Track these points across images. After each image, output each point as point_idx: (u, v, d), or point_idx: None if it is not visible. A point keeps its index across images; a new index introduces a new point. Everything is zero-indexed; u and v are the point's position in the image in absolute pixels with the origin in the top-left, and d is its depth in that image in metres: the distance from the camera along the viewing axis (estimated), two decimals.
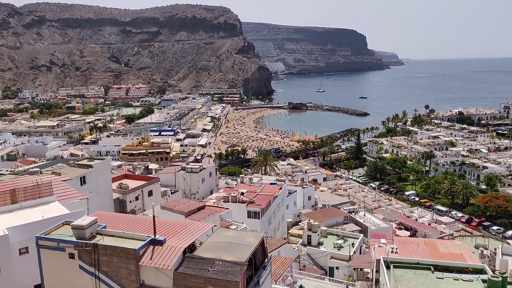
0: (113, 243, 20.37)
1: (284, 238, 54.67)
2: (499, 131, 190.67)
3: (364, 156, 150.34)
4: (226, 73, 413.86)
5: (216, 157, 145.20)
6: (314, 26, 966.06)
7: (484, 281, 34.78)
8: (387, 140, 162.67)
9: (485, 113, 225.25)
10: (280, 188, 62.83)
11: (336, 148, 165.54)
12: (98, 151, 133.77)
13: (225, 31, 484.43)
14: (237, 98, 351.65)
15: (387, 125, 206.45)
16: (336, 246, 50.88)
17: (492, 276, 34.66)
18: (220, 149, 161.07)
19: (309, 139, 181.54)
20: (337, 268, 46.26)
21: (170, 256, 19.61)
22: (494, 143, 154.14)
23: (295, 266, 40.75)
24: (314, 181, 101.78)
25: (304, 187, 78.58)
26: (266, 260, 22.95)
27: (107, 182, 48.07)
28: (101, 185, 45.78)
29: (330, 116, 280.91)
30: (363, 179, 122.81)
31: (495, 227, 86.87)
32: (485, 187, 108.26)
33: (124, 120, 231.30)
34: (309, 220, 55.93)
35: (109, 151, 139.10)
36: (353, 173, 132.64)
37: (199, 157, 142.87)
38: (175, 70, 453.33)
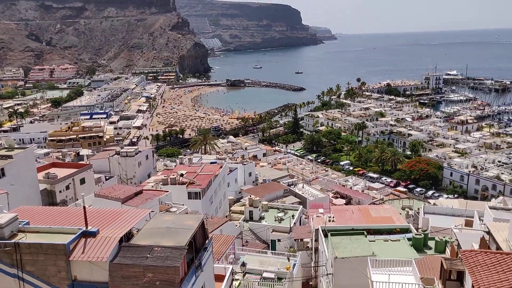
0: (39, 240, 19.04)
1: (226, 216, 55.42)
2: (421, 101, 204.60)
3: (301, 130, 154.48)
4: (160, 51, 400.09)
5: (153, 138, 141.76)
6: (249, 1, 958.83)
7: (409, 239, 37.99)
8: (322, 113, 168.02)
9: (409, 84, 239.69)
10: (221, 167, 63.09)
11: (275, 123, 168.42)
12: (20, 139, 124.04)
13: (157, 7, 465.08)
14: (173, 77, 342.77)
15: (322, 99, 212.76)
16: (277, 219, 52.52)
17: (416, 234, 37.97)
18: (157, 130, 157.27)
19: (248, 116, 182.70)
20: (279, 240, 47.90)
21: (105, 248, 18.79)
22: (417, 112, 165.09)
23: (238, 242, 41.66)
24: (254, 157, 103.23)
25: (244, 164, 79.50)
26: (207, 241, 23.21)
27: (31, 173, 45.25)
28: (24, 177, 43.00)
29: (268, 92, 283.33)
30: (301, 152, 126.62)
31: (418, 189, 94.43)
32: (410, 153, 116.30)
33: (50, 104, 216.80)
34: (250, 196, 57.05)
35: (33, 139, 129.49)
36: (293, 146, 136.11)
37: (134, 140, 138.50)
38: (105, 49, 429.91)
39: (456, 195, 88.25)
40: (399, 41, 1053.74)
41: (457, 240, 29.73)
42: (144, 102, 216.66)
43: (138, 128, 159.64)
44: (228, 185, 68.14)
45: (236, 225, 47.79)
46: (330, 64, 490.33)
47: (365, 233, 39.17)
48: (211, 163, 66.14)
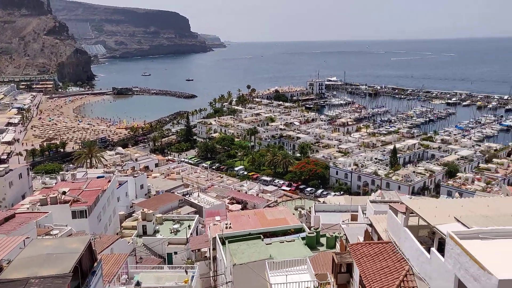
0: None
1: (117, 233, 51.89)
2: (307, 106, 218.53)
3: (195, 137, 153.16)
4: (35, 57, 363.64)
5: (28, 154, 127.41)
6: (135, 7, 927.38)
7: (303, 238, 39.52)
8: (215, 120, 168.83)
9: (296, 90, 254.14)
10: (109, 181, 58.99)
11: (166, 132, 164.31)
12: None
13: (29, 9, 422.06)
14: (50, 85, 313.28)
15: (214, 106, 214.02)
16: (172, 231, 50.75)
17: (309, 233, 39.64)
18: (33, 145, 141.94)
19: (137, 125, 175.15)
20: (175, 253, 46.25)
21: None
22: (304, 116, 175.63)
23: (131, 260, 39.11)
24: (146, 168, 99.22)
25: (135, 176, 75.78)
26: (95, 264, 21.13)
27: None
28: None
29: (158, 100, 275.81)
30: (195, 160, 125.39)
31: (309, 189, 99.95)
32: (300, 155, 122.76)
33: None
34: (142, 210, 54.23)
35: None
36: (187, 155, 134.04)
37: (4, 157, 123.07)
38: None
39: (342, 192, 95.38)
40: (284, 49, 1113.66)
41: (345, 234, 31.62)
42: (15, 114, 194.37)
43: (9, 143, 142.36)
44: (118, 200, 64.07)
45: (129, 242, 44.96)
46: (220, 71, 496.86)
47: (262, 236, 39.78)
48: (98, 177, 61.39)
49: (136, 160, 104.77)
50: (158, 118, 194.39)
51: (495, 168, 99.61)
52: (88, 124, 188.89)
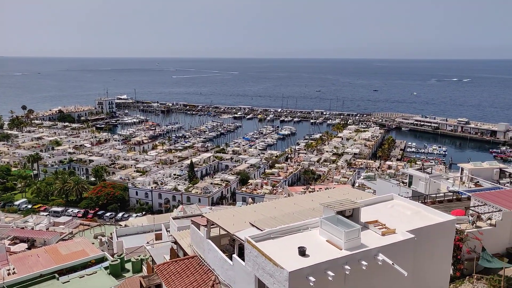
0: None
1: None
2: (98, 125, 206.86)
3: None
4: None
5: None
6: None
7: (106, 267, 37.07)
8: None
9: (83, 109, 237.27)
10: None
11: None
12: None
13: None
14: None
15: None
16: None
17: (112, 261, 37.42)
18: None
19: None
20: None
21: None
22: (95, 137, 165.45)
23: None
24: None
25: None
26: None
27: None
28: None
29: None
30: None
31: (108, 213, 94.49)
32: (94, 179, 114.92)
33: None
34: None
35: None
36: None
37: None
38: None
39: (144, 212, 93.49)
40: (64, 66, 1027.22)
41: (151, 256, 31.09)
42: None
43: None
44: None
45: None
46: None
47: (57, 275, 35.62)
48: None
49: None
50: None
51: (277, 172, 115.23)
52: None
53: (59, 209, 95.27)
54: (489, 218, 25.16)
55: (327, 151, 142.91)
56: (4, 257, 50.06)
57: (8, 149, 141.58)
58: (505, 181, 42.43)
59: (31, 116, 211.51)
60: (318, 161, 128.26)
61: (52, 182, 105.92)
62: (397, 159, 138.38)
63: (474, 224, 24.59)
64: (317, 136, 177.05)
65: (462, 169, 44.68)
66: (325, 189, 56.28)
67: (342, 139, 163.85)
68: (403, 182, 51.02)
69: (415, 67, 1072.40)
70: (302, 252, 15.26)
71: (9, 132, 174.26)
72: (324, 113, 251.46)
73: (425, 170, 47.51)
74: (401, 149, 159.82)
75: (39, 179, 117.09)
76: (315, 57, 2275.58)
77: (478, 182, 41.65)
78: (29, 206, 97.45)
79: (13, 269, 38.05)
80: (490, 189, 36.71)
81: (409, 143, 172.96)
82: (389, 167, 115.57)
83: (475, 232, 23.70)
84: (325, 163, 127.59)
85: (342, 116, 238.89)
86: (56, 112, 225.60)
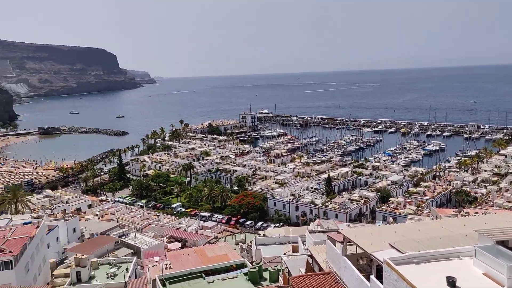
0: None
1: (48, 283, 47.89)
2: (241, 138, 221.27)
3: (128, 175, 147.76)
4: None
5: None
6: (59, 44, 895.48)
7: (245, 274, 39.12)
8: (148, 157, 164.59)
9: (229, 123, 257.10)
10: (37, 227, 54.76)
11: (98, 171, 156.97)
12: None
13: None
14: None
15: (147, 142, 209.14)
16: (109, 276, 47.88)
17: (251, 268, 39.36)
18: None
19: (67, 165, 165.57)
20: None
21: None
22: (239, 149, 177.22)
23: None
24: (78, 210, 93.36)
25: (66, 220, 71.13)
26: None
27: None
28: None
29: (87, 138, 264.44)
30: (130, 199, 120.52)
31: (248, 222, 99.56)
32: (237, 188, 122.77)
33: None
34: (76, 255, 50.68)
35: None
36: (121, 194, 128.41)
37: None
38: None
39: (281, 223, 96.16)
40: (216, 83, 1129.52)
41: (287, 267, 31.93)
42: None
43: None
44: (48, 246, 59.55)
45: None
46: (152, 107, 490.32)
47: (203, 275, 38.85)
48: (25, 223, 56.75)
49: (67, 202, 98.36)
50: (88, 157, 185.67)
51: (423, 191, 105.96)
52: (12, 167, 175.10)
53: (207, 214, 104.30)
54: None
55: (485, 170, 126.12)
56: (163, 253, 57.09)
57: (168, 158, 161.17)
58: None
59: (187, 129, 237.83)
60: (473, 181, 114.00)
61: (201, 189, 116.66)
62: None
63: None
64: (473, 153, 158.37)
65: None
66: (482, 214, 50.20)
67: (506, 157, 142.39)
68: None
69: None
70: (451, 283, 13.80)
71: (169, 143, 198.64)
72: (482, 126, 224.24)
73: None
74: None
75: (191, 185, 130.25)
76: (467, 64, 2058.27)
77: None
78: (183, 210, 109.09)
79: (169, 264, 42.94)
80: None
81: None
82: None
83: None
84: (483, 184, 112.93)
85: (505, 131, 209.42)
86: (206, 125, 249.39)
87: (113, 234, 68.68)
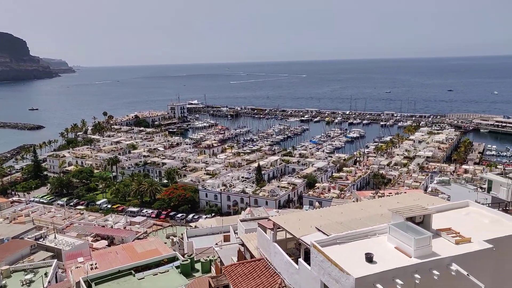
0: None
1: None
2: (170, 130, 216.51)
3: (45, 173, 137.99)
4: None
5: None
6: None
7: (177, 267, 38.69)
8: (69, 152, 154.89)
9: (157, 115, 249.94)
10: None
11: (9, 169, 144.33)
12: None
13: None
14: None
15: (66, 136, 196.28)
16: (24, 283, 44.68)
17: (182, 261, 38.98)
18: None
19: None
20: None
21: None
22: (168, 141, 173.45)
23: None
24: None
25: None
26: None
27: None
28: None
29: None
30: (48, 198, 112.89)
31: (179, 215, 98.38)
32: (167, 181, 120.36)
33: None
34: None
35: None
36: (37, 193, 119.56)
37: None
38: None
39: (213, 214, 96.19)
40: (141, 73, 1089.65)
41: (219, 257, 31.98)
42: None
43: None
44: None
45: None
46: (71, 98, 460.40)
47: (133, 272, 37.79)
48: None
49: None
50: None
51: (345, 175, 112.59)
52: None
53: (135, 209, 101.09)
54: None
55: (398, 155, 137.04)
56: (88, 253, 54.38)
57: (91, 152, 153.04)
58: None
59: (111, 122, 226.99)
60: (388, 165, 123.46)
61: (129, 183, 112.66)
62: (475, 163, 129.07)
63: None
64: (388, 138, 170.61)
65: None
66: (395, 194, 54.18)
67: (414, 141, 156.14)
68: (481, 188, 47.56)
69: (494, 64, 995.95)
70: (369, 258, 14.90)
71: (92, 136, 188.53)
72: (395, 115, 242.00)
73: (507, 175, 43.89)
74: (479, 152, 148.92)
75: (118, 180, 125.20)
76: (383, 57, 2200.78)
77: None
78: (109, 206, 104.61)
79: (95, 264, 41.05)
80: None
81: (489, 145, 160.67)
82: (466, 171, 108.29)
83: None
84: (396, 166, 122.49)
85: (414, 118, 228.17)
86: (132, 117, 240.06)
87: (28, 238, 63.90)
